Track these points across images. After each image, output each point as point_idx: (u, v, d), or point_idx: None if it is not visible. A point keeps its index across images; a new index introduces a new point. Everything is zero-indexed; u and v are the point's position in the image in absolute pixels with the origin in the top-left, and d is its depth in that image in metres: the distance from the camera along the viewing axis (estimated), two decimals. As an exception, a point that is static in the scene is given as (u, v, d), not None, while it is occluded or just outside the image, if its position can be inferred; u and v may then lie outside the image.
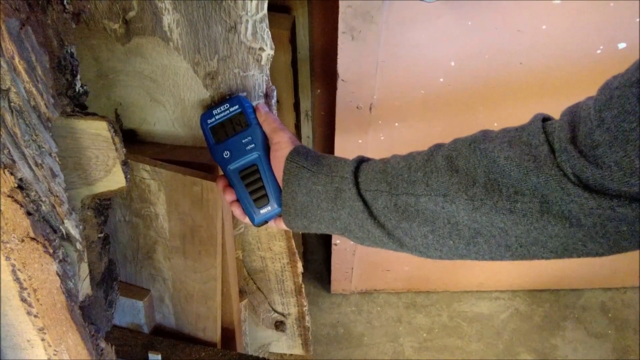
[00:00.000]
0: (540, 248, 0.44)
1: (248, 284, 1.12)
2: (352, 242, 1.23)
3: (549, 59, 0.72)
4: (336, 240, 1.21)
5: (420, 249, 0.52)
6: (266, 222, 0.61)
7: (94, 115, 0.47)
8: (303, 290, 1.14)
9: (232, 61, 0.66)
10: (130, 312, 0.87)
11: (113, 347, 0.57)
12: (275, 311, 1.21)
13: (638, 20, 0.67)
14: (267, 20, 0.62)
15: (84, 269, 0.51)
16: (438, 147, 0.51)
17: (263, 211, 0.60)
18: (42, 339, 0.50)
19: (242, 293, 1.12)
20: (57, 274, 0.45)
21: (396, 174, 0.51)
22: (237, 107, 0.62)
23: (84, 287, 0.53)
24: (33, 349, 0.52)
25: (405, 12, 0.67)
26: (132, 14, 0.62)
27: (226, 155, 0.61)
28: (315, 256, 1.52)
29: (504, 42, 0.72)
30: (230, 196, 0.62)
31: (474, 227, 0.46)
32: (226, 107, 0.62)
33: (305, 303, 1.18)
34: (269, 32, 0.64)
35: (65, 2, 0.42)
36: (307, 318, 1.24)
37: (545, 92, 0.77)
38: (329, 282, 1.44)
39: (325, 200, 0.54)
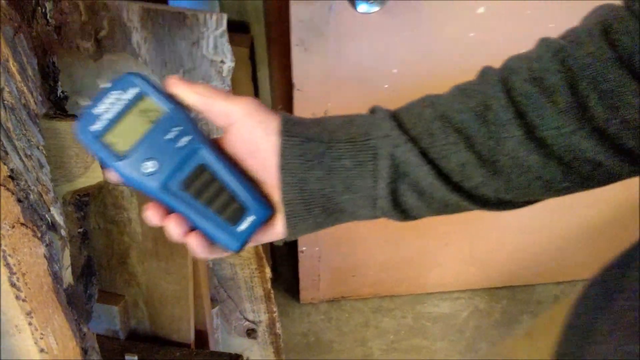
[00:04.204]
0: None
1: (219, 292, 1.17)
2: (317, 248, 1.30)
3: (478, 63, 0.82)
4: (302, 247, 1.28)
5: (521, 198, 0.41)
6: (249, 240, 0.41)
7: (74, 116, 0.53)
8: (272, 296, 1.19)
9: (196, 73, 0.73)
10: (106, 318, 0.91)
11: (94, 333, 0.61)
12: (247, 319, 1.26)
13: (553, 25, 0.78)
14: (226, 36, 0.70)
15: (67, 257, 0.57)
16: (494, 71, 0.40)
17: (243, 227, 0.40)
18: (30, 323, 0.55)
19: (213, 301, 1.16)
20: (45, 256, 0.51)
21: (464, 119, 0.38)
22: (133, 89, 0.40)
23: (67, 276, 0.58)
24: (20, 334, 0.56)
25: (350, 24, 0.76)
26: (103, 33, 0.69)
27: (149, 168, 0.39)
28: (284, 267, 1.57)
29: (439, 50, 0.81)
30: (179, 227, 0.39)
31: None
32: (115, 97, 0.39)
33: (275, 309, 1.24)
34: (229, 46, 0.71)
35: (48, 16, 0.49)
36: (278, 325, 1.29)
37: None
38: (298, 292, 1.50)
39: (360, 176, 0.39)
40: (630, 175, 0.39)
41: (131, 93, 0.40)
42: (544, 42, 0.39)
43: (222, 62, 0.72)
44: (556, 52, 0.38)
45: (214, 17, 0.67)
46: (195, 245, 0.40)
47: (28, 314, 0.55)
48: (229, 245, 0.40)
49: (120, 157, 0.39)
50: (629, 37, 0.36)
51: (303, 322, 1.52)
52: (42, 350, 0.57)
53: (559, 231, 1.38)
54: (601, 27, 0.37)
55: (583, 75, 0.37)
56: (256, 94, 0.99)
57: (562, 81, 0.37)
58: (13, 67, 0.43)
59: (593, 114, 0.36)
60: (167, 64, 0.71)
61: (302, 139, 0.39)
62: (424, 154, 0.38)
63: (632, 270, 0.39)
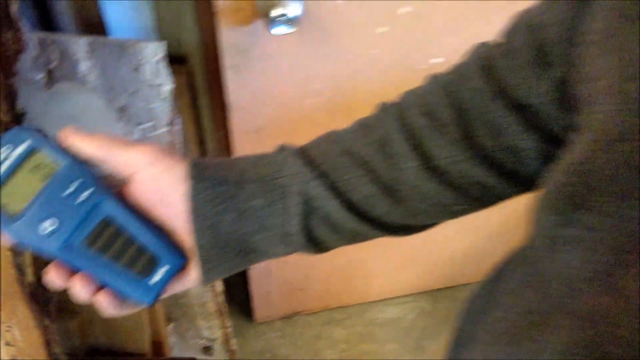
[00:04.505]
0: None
1: (172, 310, 1.22)
2: (266, 263, 1.38)
3: (381, 76, 0.95)
4: (251, 262, 1.35)
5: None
6: (162, 292, 0.40)
7: (32, 129, 0.62)
8: (225, 310, 1.26)
9: (138, 96, 0.82)
10: (62, 337, 0.95)
11: (55, 325, 0.67)
12: (202, 336, 1.31)
13: (450, 38, 0.93)
14: (164, 61, 0.80)
15: (29, 256, 0.63)
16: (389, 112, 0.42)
17: (155, 279, 0.39)
18: (-3, 317, 0.61)
19: (167, 320, 1.22)
20: (11, 249, 0.58)
21: (367, 153, 0.40)
22: (23, 145, 0.37)
23: (29, 274, 0.64)
24: (-12, 329, 0.62)
25: (272, 46, 0.87)
26: (54, 64, 0.77)
27: (47, 228, 0.37)
28: (237, 289, 1.64)
29: (348, 65, 0.94)
30: (87, 287, 0.37)
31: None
32: (4, 154, 0.37)
33: (228, 324, 1.30)
34: (167, 70, 0.81)
35: (8, 43, 0.58)
36: (233, 341, 1.35)
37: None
38: (252, 311, 1.56)
39: (272, 214, 0.39)
40: (516, 194, 0.42)
41: (22, 148, 0.37)
42: (434, 78, 0.43)
43: (162, 85, 0.82)
44: (444, 87, 0.41)
45: (153, 45, 0.78)
46: (105, 304, 0.38)
47: (-5, 307, 0.61)
48: (142, 299, 0.38)
49: (13, 218, 0.36)
50: (506, 73, 0.39)
51: (259, 341, 1.57)
52: (7, 344, 0.63)
53: (495, 229, 1.52)
54: (483, 63, 0.40)
55: (469, 108, 0.40)
56: (197, 119, 1.09)
57: (451, 114, 0.39)
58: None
59: (480, 142, 0.39)
60: (113, 89, 0.81)
61: (211, 182, 0.38)
62: (333, 188, 0.39)
63: (504, 283, 0.41)
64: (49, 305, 0.69)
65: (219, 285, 1.19)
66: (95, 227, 0.37)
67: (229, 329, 1.30)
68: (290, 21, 0.80)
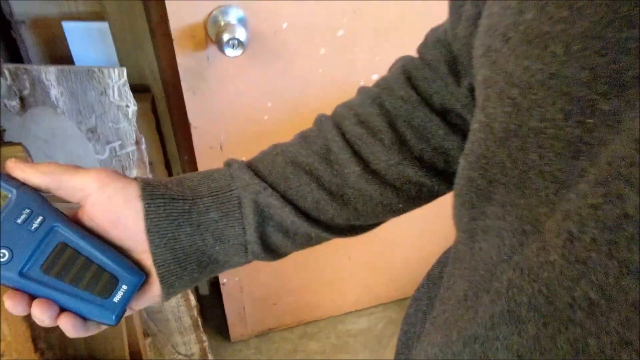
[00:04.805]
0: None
1: (149, 326, 1.27)
2: (237, 279, 1.44)
3: (327, 93, 1.06)
4: (223, 279, 1.42)
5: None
6: (125, 310, 0.40)
7: (11, 143, 0.70)
8: (200, 324, 1.31)
9: (106, 117, 0.91)
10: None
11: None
12: (179, 353, 1.35)
13: (380, 55, 1.04)
14: (128, 85, 0.89)
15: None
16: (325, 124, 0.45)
17: (117, 298, 0.39)
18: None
19: (145, 335, 1.26)
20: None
21: (311, 162, 0.43)
22: None
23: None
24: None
25: (226, 67, 0.98)
26: (26, 92, 0.86)
27: (1, 259, 0.37)
28: (212, 310, 1.69)
29: (297, 83, 1.05)
30: (48, 312, 0.37)
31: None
32: None
33: (204, 338, 1.35)
34: (131, 93, 0.90)
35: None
36: (210, 356, 1.40)
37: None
38: (227, 331, 1.61)
39: (228, 225, 0.41)
40: (449, 190, 0.44)
41: None
42: (363, 91, 0.46)
43: (127, 106, 0.91)
44: (374, 99, 0.44)
45: (117, 70, 0.87)
46: (69, 327, 0.38)
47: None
48: (105, 319, 0.39)
49: None
50: (425, 83, 0.44)
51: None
52: (-6, 339, 0.69)
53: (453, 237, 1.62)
54: (404, 75, 0.44)
55: (397, 115, 0.43)
56: (162, 141, 1.18)
57: (383, 122, 0.43)
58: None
59: (410, 146, 0.43)
60: (82, 111, 0.89)
61: (164, 199, 0.39)
62: (284, 197, 0.41)
63: (440, 281, 0.44)
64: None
65: (193, 299, 1.25)
66: (51, 253, 0.38)
67: (205, 343, 1.35)
68: (240, 44, 0.90)
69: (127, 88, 0.89)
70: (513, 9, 0.27)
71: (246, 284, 1.47)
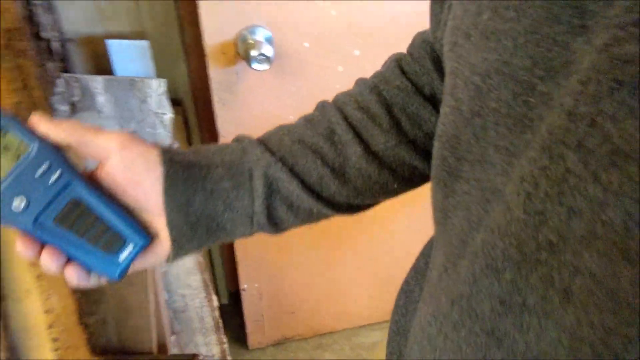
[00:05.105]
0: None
1: (174, 325, 1.35)
2: (257, 285, 1.51)
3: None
4: (244, 284, 1.49)
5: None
6: (128, 269, 0.43)
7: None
8: (221, 325, 1.38)
9: (145, 123, 1.01)
10: (78, 339, 1.08)
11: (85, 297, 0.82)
12: (200, 353, 1.42)
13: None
14: (166, 94, 1.00)
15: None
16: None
17: (124, 255, 0.42)
18: (39, 286, 0.76)
19: (171, 331, 1.33)
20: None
21: (317, 141, 0.45)
22: None
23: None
24: (29, 298, 0.77)
25: (253, 82, 1.08)
26: (76, 98, 0.97)
27: (18, 205, 0.39)
28: (231, 317, 1.75)
29: (318, 98, 1.15)
30: (55, 260, 0.40)
31: None
32: None
33: (225, 340, 1.41)
34: (169, 102, 1.01)
35: (50, 70, 0.77)
36: (229, 358, 1.46)
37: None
38: (245, 339, 1.68)
39: (239, 195, 0.43)
40: None
41: None
42: (361, 82, 0.50)
43: (164, 114, 1.01)
44: (372, 88, 0.48)
45: (157, 81, 0.98)
46: (74, 276, 0.41)
47: (38, 277, 0.76)
48: (110, 274, 0.41)
49: None
50: (416, 76, 0.48)
51: (253, 368, 1.68)
52: (47, 311, 0.77)
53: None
54: (398, 68, 0.49)
55: (394, 102, 0.47)
56: (192, 151, 1.28)
57: (381, 108, 0.47)
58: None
59: (405, 131, 0.47)
60: (124, 117, 1.00)
61: (182, 166, 0.41)
62: (292, 171, 0.44)
63: (421, 282, 0.47)
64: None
65: (215, 301, 1.32)
66: (64, 207, 0.40)
67: (225, 345, 1.41)
68: (267, 59, 1.00)
69: (165, 97, 0.99)
70: (472, 11, 0.32)
71: (265, 292, 1.54)
